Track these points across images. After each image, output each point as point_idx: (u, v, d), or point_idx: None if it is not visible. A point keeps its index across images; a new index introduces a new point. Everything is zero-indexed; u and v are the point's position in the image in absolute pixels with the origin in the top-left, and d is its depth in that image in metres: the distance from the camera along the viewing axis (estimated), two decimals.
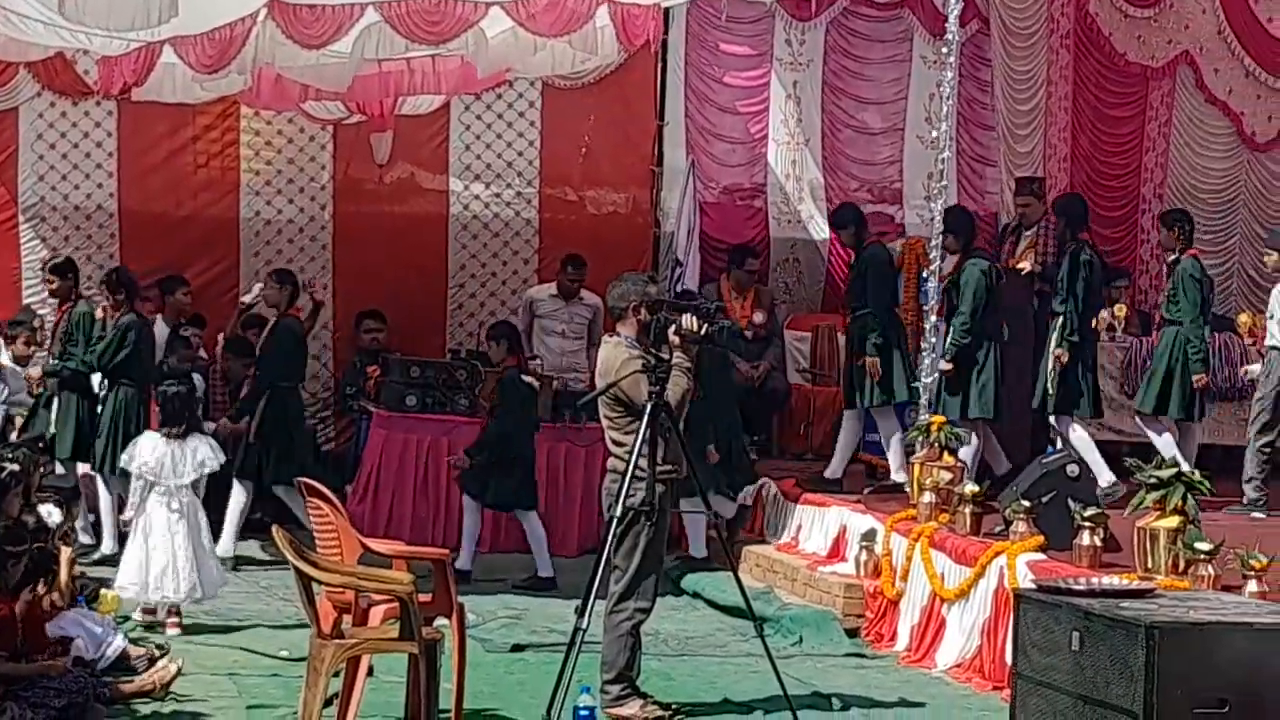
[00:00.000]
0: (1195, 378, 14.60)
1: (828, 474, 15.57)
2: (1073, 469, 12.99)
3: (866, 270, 15.53)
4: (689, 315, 10.23)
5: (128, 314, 14.89)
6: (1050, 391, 14.75)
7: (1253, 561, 10.31)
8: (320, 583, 9.77)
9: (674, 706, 10.30)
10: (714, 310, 10.90)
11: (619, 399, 10.22)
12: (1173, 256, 15.18)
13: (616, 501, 9.94)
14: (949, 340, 14.93)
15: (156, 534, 12.67)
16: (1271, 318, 14.75)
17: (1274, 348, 14.58)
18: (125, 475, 13.40)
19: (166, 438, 12.92)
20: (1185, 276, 14.95)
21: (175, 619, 12.47)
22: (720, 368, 15.57)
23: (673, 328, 10.14)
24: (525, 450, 14.98)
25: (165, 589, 12.47)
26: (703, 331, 10.20)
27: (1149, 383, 15.05)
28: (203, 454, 12.97)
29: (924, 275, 14.60)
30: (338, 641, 9.62)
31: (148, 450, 12.88)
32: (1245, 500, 14.43)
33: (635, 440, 9.97)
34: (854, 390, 15.35)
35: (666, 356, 10.24)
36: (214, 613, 13.20)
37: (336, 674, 9.71)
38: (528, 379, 15.38)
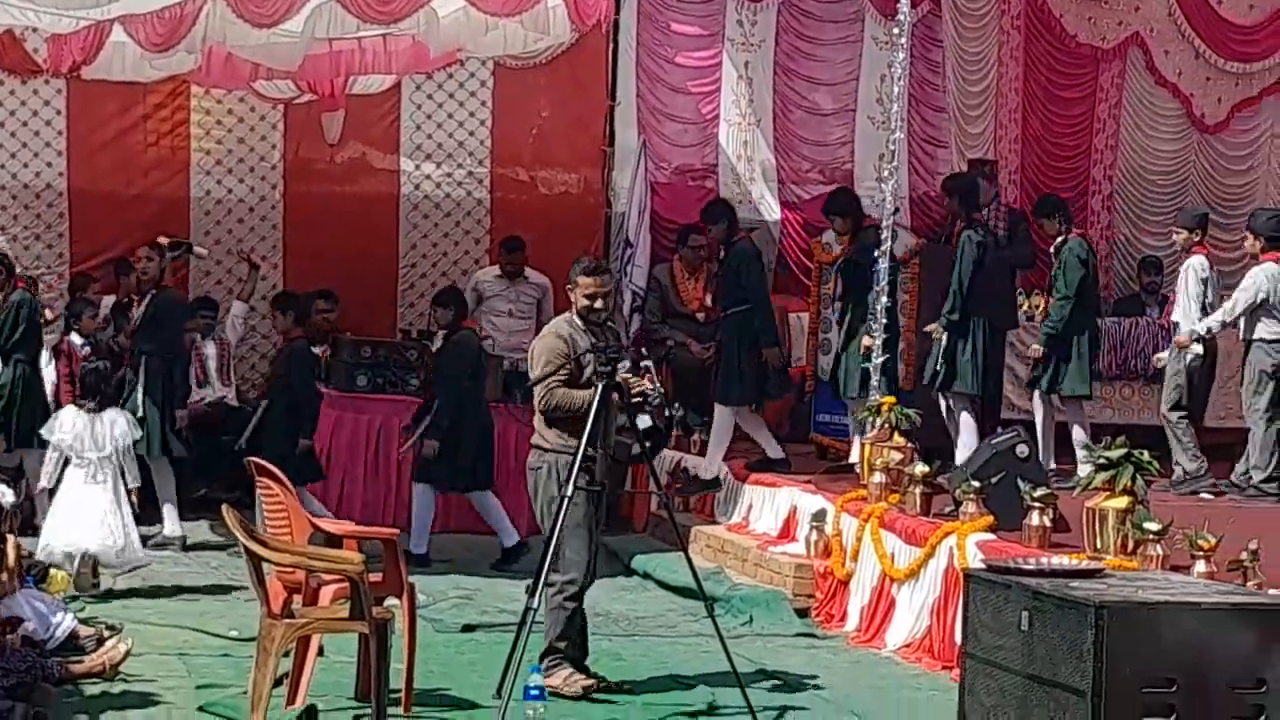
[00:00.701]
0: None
1: (770, 455, 15.65)
2: (1022, 449, 13.05)
3: (739, 267, 15.59)
4: (651, 382, 10.42)
5: (13, 292, 14.86)
6: (938, 369, 15.04)
7: (1201, 542, 10.39)
8: (270, 562, 9.80)
9: (599, 677, 10.42)
10: (670, 411, 10.94)
11: None
12: (1060, 239, 15.28)
13: (567, 481, 10.00)
14: (848, 323, 15.36)
15: (80, 498, 13.05)
16: (1184, 291, 14.92)
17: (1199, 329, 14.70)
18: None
19: (84, 410, 13.24)
20: (1070, 256, 15.06)
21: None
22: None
23: (634, 376, 10.27)
24: (308, 423, 15.07)
25: (89, 542, 12.77)
26: (641, 400, 10.31)
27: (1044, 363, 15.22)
28: (120, 428, 13.30)
29: (874, 256, 14.61)
30: (288, 621, 9.64)
31: (67, 424, 13.23)
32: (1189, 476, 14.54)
33: (587, 421, 10.09)
34: (733, 384, 15.53)
35: (615, 339, 10.41)
36: (163, 592, 13.24)
37: (287, 654, 9.74)
38: (316, 350, 15.53)
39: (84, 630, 11.06)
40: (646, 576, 14.30)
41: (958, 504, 12.52)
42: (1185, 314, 14.84)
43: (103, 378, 13.97)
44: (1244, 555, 10.09)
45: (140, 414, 14.52)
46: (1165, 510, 11.50)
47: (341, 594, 9.73)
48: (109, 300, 16.50)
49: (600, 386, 10.20)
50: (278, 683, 9.66)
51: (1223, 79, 19.88)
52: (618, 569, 14.54)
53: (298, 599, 9.81)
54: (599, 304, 10.43)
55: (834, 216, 16.17)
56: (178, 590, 13.38)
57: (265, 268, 17.40)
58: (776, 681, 10.93)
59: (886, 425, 13.77)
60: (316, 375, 15.44)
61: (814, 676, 11.36)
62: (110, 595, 13.11)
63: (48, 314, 15.54)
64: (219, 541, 14.42)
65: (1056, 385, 15.01)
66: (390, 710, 9.66)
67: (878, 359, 14.39)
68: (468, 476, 14.84)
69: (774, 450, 15.57)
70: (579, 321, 10.43)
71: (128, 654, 10.80)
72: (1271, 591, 9.68)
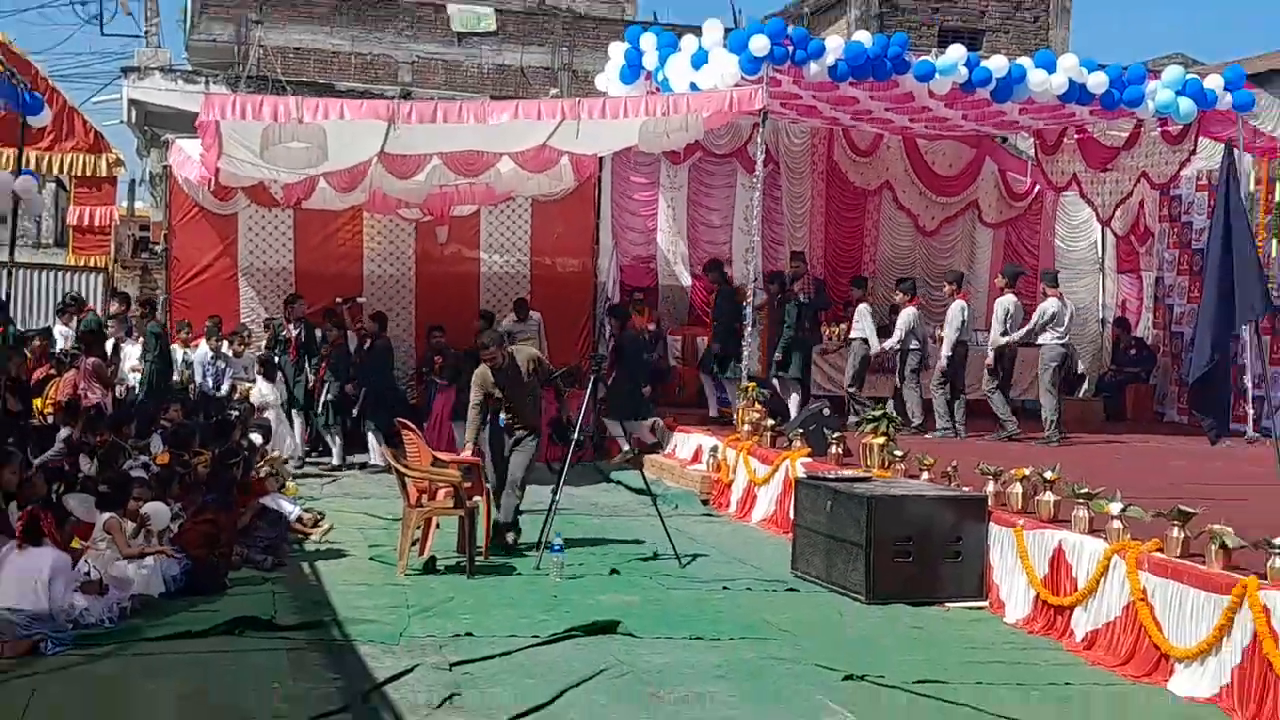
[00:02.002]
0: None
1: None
2: (826, 411, 13.14)
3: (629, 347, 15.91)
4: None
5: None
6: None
7: (926, 461, 10.44)
8: (409, 476, 9.82)
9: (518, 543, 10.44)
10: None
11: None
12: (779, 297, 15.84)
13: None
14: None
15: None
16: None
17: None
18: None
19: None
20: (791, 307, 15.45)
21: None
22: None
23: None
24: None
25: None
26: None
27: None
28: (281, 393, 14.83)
29: (743, 305, 14.61)
30: (419, 509, 9.75)
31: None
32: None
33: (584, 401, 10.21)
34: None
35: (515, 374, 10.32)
36: (350, 494, 13.20)
37: (419, 528, 9.77)
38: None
39: (305, 515, 11.05)
40: (618, 483, 14.16)
41: (790, 441, 12.57)
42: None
43: (274, 366, 14.83)
44: (949, 469, 10.14)
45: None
46: (907, 444, 11.57)
47: (449, 494, 9.72)
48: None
49: (591, 382, 10.31)
50: (414, 544, 9.73)
51: (934, 206, 19.86)
52: (600, 480, 14.49)
53: (425, 497, 9.81)
54: (492, 360, 10.22)
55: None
56: (358, 492, 13.36)
57: (401, 311, 17.34)
58: (691, 539, 10.93)
59: (750, 398, 13.77)
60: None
61: (711, 537, 11.40)
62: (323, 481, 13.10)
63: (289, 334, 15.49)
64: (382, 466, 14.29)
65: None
66: (476, 559, 9.70)
67: (744, 362, 14.42)
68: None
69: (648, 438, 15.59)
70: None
71: (330, 529, 10.88)
72: (964, 488, 9.72)
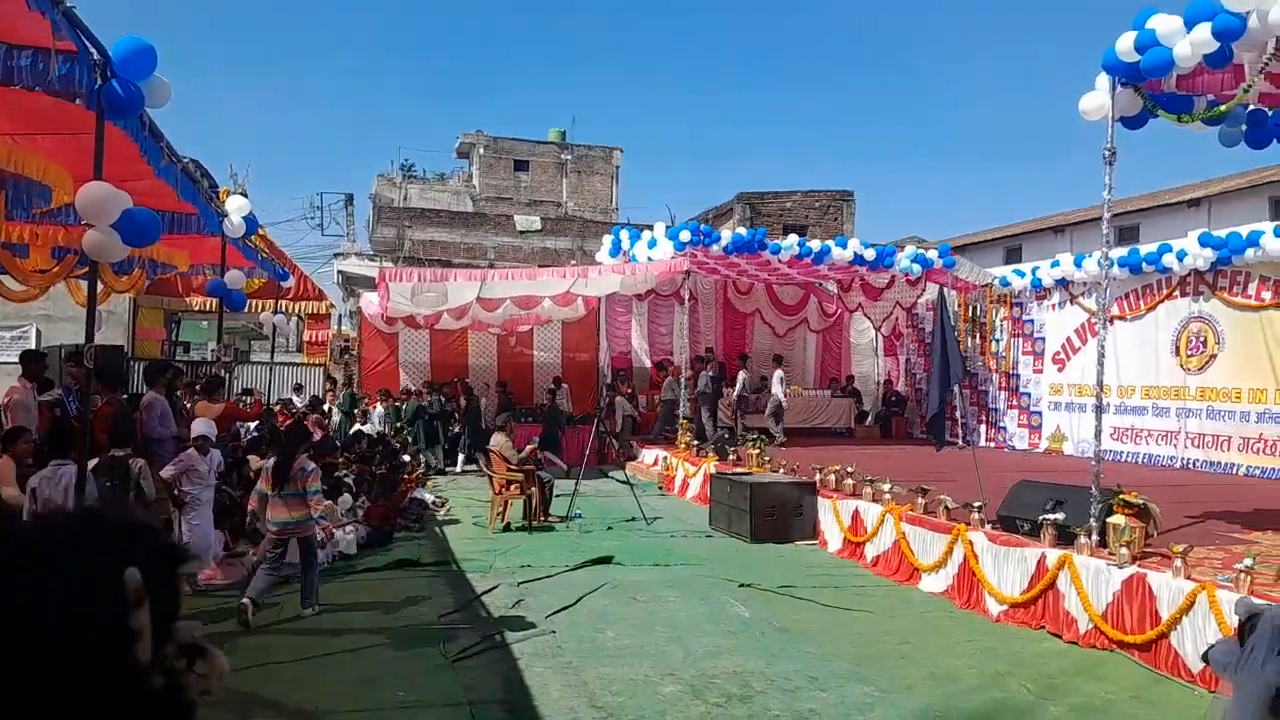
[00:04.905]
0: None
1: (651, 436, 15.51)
2: (727, 436, 13.05)
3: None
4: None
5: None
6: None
7: (781, 462, 10.40)
8: (494, 476, 9.70)
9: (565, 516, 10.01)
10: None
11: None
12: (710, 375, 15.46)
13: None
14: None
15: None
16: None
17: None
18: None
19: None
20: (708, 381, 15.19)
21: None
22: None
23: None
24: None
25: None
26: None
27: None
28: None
29: (681, 381, 14.61)
30: (499, 495, 9.56)
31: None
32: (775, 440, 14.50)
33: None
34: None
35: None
36: (461, 488, 12.98)
37: (500, 507, 9.63)
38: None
39: (436, 499, 10.86)
40: (610, 478, 13.97)
41: (707, 454, 12.51)
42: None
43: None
44: (795, 465, 10.12)
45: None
46: (774, 453, 11.54)
47: (516, 487, 9.63)
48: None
49: (596, 420, 10.14)
50: (497, 515, 9.59)
51: (783, 321, 19.90)
52: (602, 476, 14.36)
53: (502, 488, 9.70)
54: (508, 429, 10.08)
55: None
56: (466, 488, 13.16)
57: (489, 388, 17.07)
58: (652, 509, 10.75)
59: (685, 429, 13.74)
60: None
61: (663, 508, 11.16)
62: (446, 480, 12.89)
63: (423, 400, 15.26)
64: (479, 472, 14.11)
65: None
66: (535, 524, 9.58)
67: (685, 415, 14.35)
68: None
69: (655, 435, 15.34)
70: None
71: (450, 508, 10.67)
72: (803, 477, 9.69)
